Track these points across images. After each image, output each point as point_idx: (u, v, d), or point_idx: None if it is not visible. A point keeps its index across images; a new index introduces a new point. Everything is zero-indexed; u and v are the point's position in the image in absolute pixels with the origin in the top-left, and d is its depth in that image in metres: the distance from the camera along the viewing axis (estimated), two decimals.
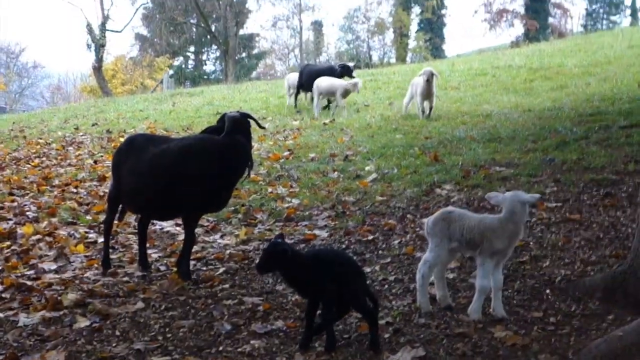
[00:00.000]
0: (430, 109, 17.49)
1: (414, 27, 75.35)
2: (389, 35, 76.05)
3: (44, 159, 15.91)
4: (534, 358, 5.19)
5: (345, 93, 20.07)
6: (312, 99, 21.59)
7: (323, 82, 20.28)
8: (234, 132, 7.20)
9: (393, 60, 70.27)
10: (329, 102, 21.29)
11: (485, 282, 5.86)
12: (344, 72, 21.75)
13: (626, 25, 68.56)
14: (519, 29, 71.65)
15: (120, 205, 8.12)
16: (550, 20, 74.01)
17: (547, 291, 6.50)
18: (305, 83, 21.90)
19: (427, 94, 17.34)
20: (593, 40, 34.48)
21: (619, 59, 24.58)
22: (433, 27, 74.27)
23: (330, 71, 21.93)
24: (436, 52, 71.44)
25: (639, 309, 5.77)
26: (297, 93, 22.67)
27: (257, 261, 5.73)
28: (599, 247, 7.53)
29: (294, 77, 23.31)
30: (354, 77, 21.51)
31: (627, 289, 6.00)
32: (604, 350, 5.15)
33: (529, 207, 5.93)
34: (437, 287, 6.30)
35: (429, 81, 17.04)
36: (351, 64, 22.71)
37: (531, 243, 7.82)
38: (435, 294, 6.37)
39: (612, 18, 79.66)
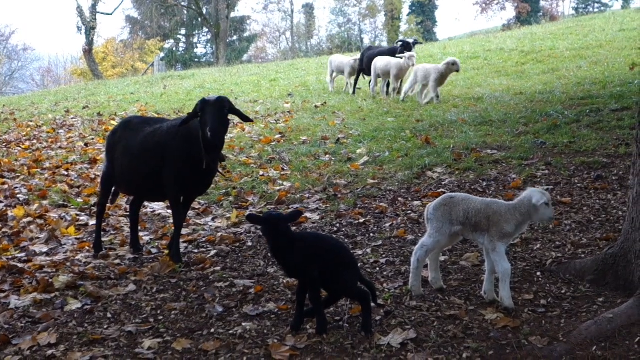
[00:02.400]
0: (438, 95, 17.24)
1: (405, 10, 75.30)
2: (381, 18, 76.00)
3: (34, 141, 15.86)
4: (524, 340, 5.20)
5: (400, 72, 18.73)
6: (369, 82, 20.52)
7: (379, 62, 19.27)
8: (197, 117, 6.99)
9: (385, 44, 70.14)
10: (388, 84, 20.05)
11: (505, 265, 5.82)
12: (405, 49, 19.93)
13: (617, 8, 68.58)
14: (510, 12, 71.62)
15: (113, 188, 8.10)
16: (542, 3, 74.03)
17: (538, 274, 6.52)
18: (366, 67, 20.43)
19: (443, 81, 17.30)
20: (584, 23, 34.47)
21: (611, 42, 24.58)
22: (425, 10, 74.15)
23: (391, 53, 20.27)
24: (428, 35, 71.31)
25: (629, 291, 5.79)
26: (357, 78, 20.96)
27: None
28: (589, 229, 7.56)
29: (338, 60, 21.98)
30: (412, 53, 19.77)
31: (618, 272, 6.01)
32: (594, 332, 5.18)
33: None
34: (430, 269, 6.30)
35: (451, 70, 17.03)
36: (411, 40, 21.07)
37: None
38: (428, 277, 6.38)
39: (604, 1, 79.59)
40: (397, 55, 19.33)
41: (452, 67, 16.86)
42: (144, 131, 7.55)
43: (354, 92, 20.57)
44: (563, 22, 42.62)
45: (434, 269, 6.28)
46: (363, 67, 20.62)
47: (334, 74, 22.21)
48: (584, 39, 26.71)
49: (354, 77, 20.93)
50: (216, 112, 6.87)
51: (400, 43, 20.42)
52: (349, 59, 21.29)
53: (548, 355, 4.98)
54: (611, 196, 8.64)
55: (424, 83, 17.32)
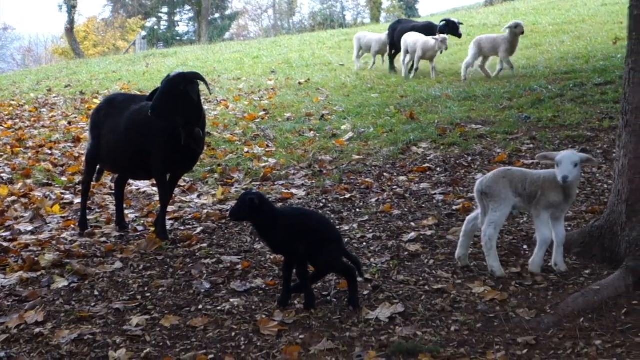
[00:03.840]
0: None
1: None
2: None
3: (17, 120, 15.71)
4: (512, 312, 5.24)
5: (427, 53, 17.10)
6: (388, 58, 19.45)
7: (410, 38, 17.57)
8: (158, 95, 6.94)
9: (367, 20, 69.94)
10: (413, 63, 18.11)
11: (546, 233, 5.84)
12: (449, 29, 18.15)
13: None
14: None
15: (98, 166, 8.06)
16: None
17: (525, 247, 6.56)
18: (397, 42, 18.61)
19: (514, 49, 15.99)
20: None
21: (593, 17, 24.57)
22: None
23: (427, 29, 18.47)
24: (410, 11, 71.04)
25: (615, 263, 5.83)
26: (392, 54, 19.37)
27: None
28: (575, 202, 7.56)
29: (367, 37, 20.34)
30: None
31: (604, 244, 6.05)
32: (581, 304, 5.22)
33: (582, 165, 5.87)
34: (460, 245, 6.22)
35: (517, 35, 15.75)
36: (456, 20, 18.92)
37: None
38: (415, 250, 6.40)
39: None
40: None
41: (516, 31, 15.67)
42: (130, 109, 7.49)
43: (392, 68, 19.20)
44: None
45: (464, 246, 6.23)
46: (394, 41, 18.95)
47: (362, 52, 20.85)
48: (566, 13, 26.68)
49: (381, 54, 20.14)
50: (161, 89, 6.94)
51: (443, 22, 18.49)
52: (378, 36, 20.25)
53: (536, 327, 5.02)
54: (596, 169, 8.68)
55: (491, 55, 16.30)
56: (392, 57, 19.43)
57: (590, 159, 5.96)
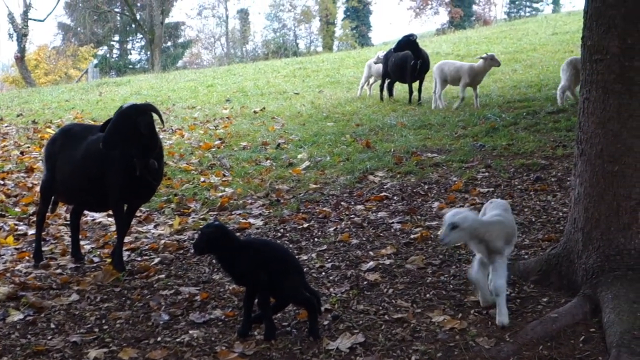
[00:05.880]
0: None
1: (340, 15, 75.66)
2: (316, 23, 76.23)
3: None
4: (472, 341, 5.24)
5: (478, 75, 15.79)
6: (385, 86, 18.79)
7: (447, 66, 16.32)
8: (110, 127, 6.88)
9: (320, 49, 70.35)
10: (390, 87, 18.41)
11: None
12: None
13: (549, 12, 69.79)
14: (444, 16, 72.51)
15: (53, 197, 7.98)
16: (475, 7, 75.05)
17: None
18: (391, 71, 18.18)
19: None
20: (518, 27, 35.04)
21: (544, 45, 25.01)
22: (359, 15, 74.55)
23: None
24: (363, 40, 71.70)
25: (572, 291, 5.87)
26: (383, 83, 18.88)
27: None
28: (531, 230, 7.65)
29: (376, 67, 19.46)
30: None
31: (561, 272, 6.09)
32: (540, 332, 5.25)
33: None
34: (482, 289, 5.90)
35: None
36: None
37: None
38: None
39: (535, 5, 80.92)
40: (478, 57, 16.22)
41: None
42: (87, 139, 7.44)
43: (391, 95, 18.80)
44: (497, 26, 43.17)
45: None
46: (387, 71, 18.40)
47: (372, 80, 20.36)
48: (517, 42, 27.12)
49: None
50: (113, 121, 6.90)
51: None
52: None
53: (495, 356, 5.02)
54: (551, 197, 8.77)
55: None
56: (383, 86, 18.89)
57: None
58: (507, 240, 5.73)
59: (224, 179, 11.41)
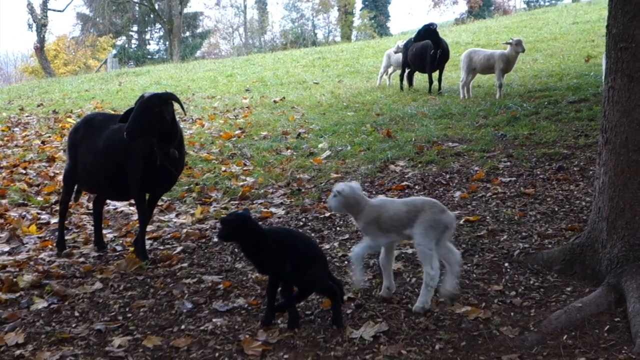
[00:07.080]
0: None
1: (358, 5, 75.46)
2: (334, 13, 76.10)
3: None
4: (496, 330, 5.23)
5: (511, 63, 15.60)
6: (405, 76, 18.81)
7: (477, 55, 15.97)
8: (132, 117, 6.80)
9: (338, 39, 70.26)
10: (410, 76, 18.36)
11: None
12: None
13: (568, 1, 69.35)
14: (462, 6, 72.19)
15: (76, 186, 8.00)
16: None
17: (506, 264, 6.55)
18: (410, 61, 18.17)
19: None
20: (538, 16, 34.82)
21: (565, 35, 24.86)
22: (377, 5, 74.38)
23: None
24: (381, 29, 71.50)
25: (596, 280, 5.86)
26: (403, 72, 18.88)
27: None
28: (554, 220, 7.62)
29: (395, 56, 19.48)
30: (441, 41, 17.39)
31: (585, 261, 6.08)
32: (564, 321, 5.23)
33: None
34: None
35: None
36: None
37: (488, 217, 7.88)
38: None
39: None
40: (503, 43, 16.61)
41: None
42: (109, 129, 7.44)
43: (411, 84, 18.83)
44: (517, 16, 43.00)
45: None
46: (407, 61, 18.35)
47: (390, 69, 20.27)
48: (538, 32, 26.96)
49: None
50: (135, 111, 6.80)
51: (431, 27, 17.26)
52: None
53: (520, 345, 5.02)
54: (573, 187, 8.74)
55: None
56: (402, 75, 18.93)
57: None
58: (385, 229, 5.82)
59: (244, 168, 11.42)
